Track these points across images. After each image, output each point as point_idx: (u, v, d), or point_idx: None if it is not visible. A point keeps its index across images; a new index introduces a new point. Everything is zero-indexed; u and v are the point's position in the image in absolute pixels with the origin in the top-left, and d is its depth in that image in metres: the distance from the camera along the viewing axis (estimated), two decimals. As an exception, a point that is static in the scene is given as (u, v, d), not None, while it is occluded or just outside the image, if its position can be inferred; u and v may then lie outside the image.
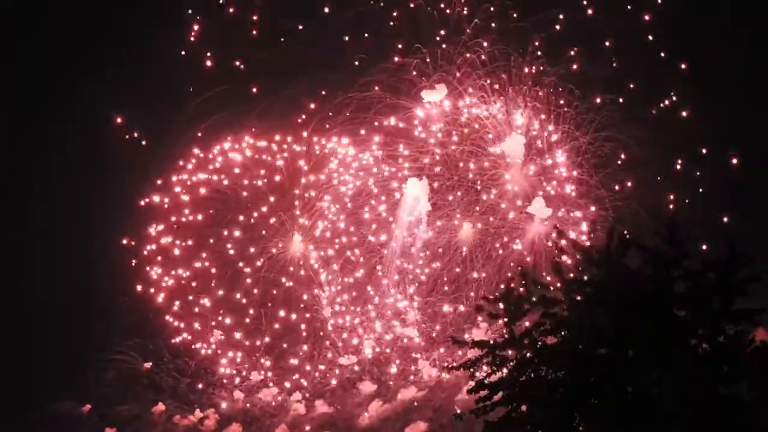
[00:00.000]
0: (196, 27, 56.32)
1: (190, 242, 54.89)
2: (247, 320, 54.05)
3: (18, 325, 50.20)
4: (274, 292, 54.39)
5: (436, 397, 50.62)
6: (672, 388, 16.90)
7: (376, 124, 54.74)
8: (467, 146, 54.70)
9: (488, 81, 54.62)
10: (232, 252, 54.40)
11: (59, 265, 52.36)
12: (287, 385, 53.21)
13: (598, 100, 53.70)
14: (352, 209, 55.51)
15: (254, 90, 55.04)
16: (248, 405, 52.56)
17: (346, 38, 55.48)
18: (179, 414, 51.65)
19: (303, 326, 54.37)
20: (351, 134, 55.36)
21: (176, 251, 55.02)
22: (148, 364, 53.42)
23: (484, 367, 18.08)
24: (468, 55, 54.77)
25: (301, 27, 55.97)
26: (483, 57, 54.56)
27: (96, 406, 51.45)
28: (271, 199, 55.03)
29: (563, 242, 18.59)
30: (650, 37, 53.15)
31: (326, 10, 55.77)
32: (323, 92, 54.84)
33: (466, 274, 54.62)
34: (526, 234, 54.78)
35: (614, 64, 54.07)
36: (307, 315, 54.32)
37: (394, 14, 55.69)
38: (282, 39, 55.50)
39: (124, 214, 54.28)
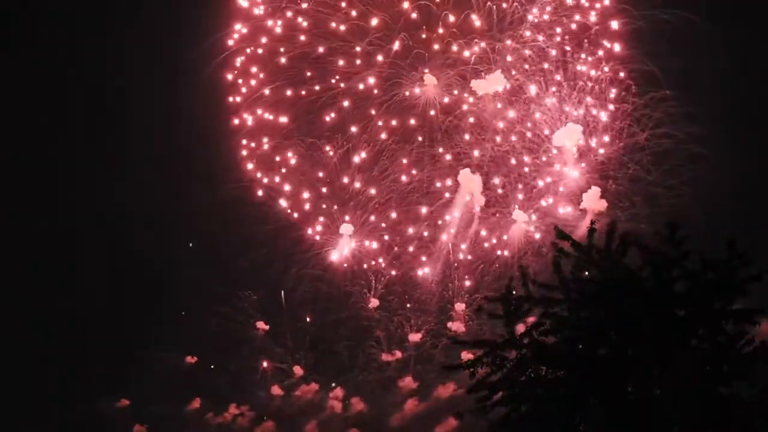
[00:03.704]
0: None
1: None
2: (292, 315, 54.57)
3: (68, 324, 51.57)
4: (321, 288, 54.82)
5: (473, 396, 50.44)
6: (672, 388, 16.82)
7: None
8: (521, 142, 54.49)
9: (543, 76, 54.37)
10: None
11: (108, 264, 53.63)
12: (327, 382, 53.63)
13: (657, 96, 53.07)
14: (403, 203, 55.57)
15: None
16: (285, 402, 53.05)
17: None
18: (213, 411, 52.44)
19: (348, 322, 54.76)
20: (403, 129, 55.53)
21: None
22: (192, 359, 54.12)
23: (485, 367, 18.19)
24: (525, 51, 54.57)
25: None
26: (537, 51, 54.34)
27: (132, 403, 52.61)
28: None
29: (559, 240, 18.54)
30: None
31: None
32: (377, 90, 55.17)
33: (515, 271, 54.34)
34: (576, 231, 54.37)
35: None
36: (353, 310, 54.57)
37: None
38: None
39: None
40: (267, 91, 56.22)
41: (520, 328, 18.65)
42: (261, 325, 54.55)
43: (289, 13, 56.51)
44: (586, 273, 18.01)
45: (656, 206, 53.84)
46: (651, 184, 54.55)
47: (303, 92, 56.20)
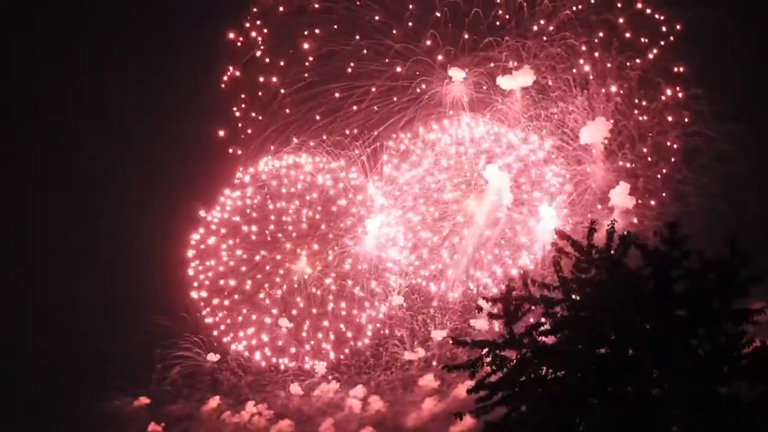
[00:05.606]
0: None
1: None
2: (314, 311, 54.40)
3: (91, 324, 52.13)
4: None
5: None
6: (672, 388, 16.76)
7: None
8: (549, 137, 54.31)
9: (571, 74, 54.15)
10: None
11: (130, 266, 53.97)
12: (348, 381, 53.56)
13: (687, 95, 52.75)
14: (431, 200, 55.38)
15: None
16: (304, 402, 52.97)
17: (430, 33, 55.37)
18: (231, 410, 52.56)
19: (371, 320, 54.57)
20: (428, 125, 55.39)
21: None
22: (215, 357, 54.24)
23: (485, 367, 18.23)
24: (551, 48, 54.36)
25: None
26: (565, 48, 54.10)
27: (151, 402, 52.91)
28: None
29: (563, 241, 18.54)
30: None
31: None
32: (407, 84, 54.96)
33: (538, 271, 54.05)
34: (603, 229, 53.53)
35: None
36: (377, 309, 54.39)
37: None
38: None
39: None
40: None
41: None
42: (284, 323, 54.35)
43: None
44: (586, 273, 17.99)
45: (685, 204, 53.13)
46: (680, 182, 53.86)
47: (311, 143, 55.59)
